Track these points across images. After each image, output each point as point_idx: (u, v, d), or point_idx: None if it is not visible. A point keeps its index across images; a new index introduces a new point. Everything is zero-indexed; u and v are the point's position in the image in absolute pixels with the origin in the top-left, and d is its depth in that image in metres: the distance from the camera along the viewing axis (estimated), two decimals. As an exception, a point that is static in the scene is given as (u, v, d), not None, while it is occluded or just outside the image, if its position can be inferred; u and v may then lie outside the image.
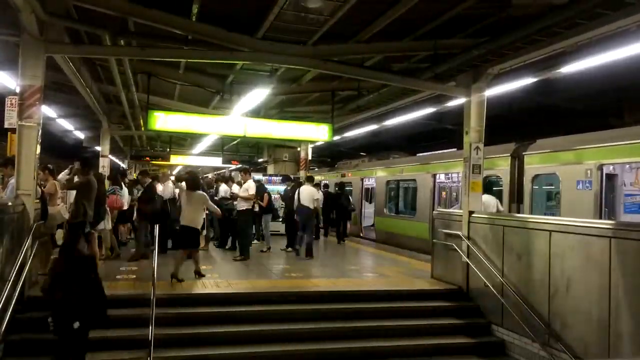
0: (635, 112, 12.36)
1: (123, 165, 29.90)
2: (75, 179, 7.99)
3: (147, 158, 22.90)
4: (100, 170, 14.94)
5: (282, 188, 15.71)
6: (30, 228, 6.30)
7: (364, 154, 23.55)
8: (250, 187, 10.31)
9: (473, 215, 7.83)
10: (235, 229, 10.82)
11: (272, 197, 12.98)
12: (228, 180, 12.64)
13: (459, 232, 7.94)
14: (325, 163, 27.56)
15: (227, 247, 11.69)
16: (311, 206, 10.79)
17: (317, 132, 11.20)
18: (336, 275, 8.74)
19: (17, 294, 5.37)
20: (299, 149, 18.62)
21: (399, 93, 10.89)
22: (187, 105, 13.60)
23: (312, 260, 10.42)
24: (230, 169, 24.35)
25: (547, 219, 7.01)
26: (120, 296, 6.58)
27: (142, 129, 16.06)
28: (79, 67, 9.19)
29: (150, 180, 10.28)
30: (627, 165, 8.86)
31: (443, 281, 8.25)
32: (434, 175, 13.76)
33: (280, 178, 16.31)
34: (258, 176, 17.50)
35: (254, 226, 12.44)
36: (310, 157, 18.16)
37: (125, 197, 10.08)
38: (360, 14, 7.05)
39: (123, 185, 10.23)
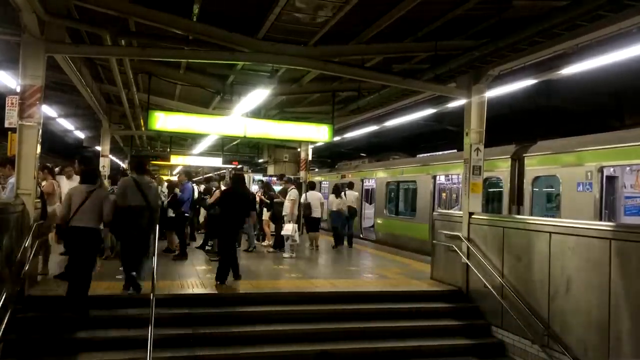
0: (635, 114, 12.35)
1: (123, 165, 29.91)
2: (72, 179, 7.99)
3: (151, 159, 22.87)
4: (101, 169, 14.95)
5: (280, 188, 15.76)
6: (30, 228, 6.29)
7: (364, 154, 23.54)
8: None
9: (473, 216, 7.84)
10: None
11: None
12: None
13: (459, 234, 7.93)
14: (325, 164, 27.56)
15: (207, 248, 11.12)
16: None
17: (318, 133, 11.20)
18: (336, 276, 8.74)
19: (17, 293, 5.36)
20: (299, 149, 18.62)
21: (399, 94, 10.87)
22: (187, 105, 13.61)
23: (311, 261, 10.43)
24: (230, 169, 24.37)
25: (547, 220, 7.01)
26: (120, 296, 6.59)
27: (143, 129, 16.06)
28: (79, 66, 9.19)
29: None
30: (628, 168, 8.86)
31: (443, 282, 8.25)
32: (434, 177, 13.76)
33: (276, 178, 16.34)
34: (258, 176, 17.55)
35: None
36: (310, 158, 18.17)
37: None
38: (361, 15, 7.05)
39: None
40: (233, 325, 6.44)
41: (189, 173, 10.63)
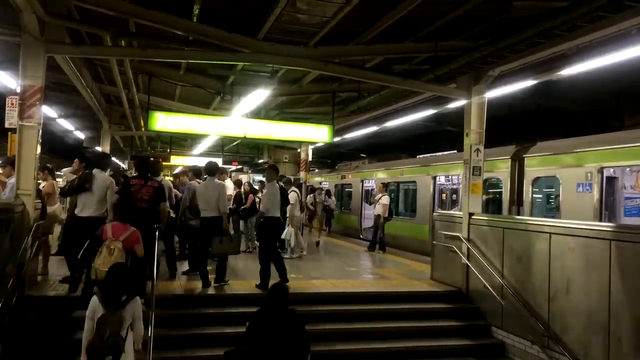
0: (635, 115, 12.36)
1: (123, 165, 29.90)
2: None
3: (151, 159, 22.70)
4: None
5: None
6: (30, 228, 6.29)
7: (364, 155, 23.54)
8: (228, 187, 10.22)
9: (473, 217, 7.84)
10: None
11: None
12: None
13: (459, 234, 7.94)
14: (325, 164, 27.57)
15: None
16: None
17: (318, 134, 11.20)
18: (335, 277, 8.73)
19: (16, 293, 5.36)
20: (299, 150, 18.64)
21: (400, 95, 10.89)
22: (187, 106, 13.61)
23: (311, 262, 10.42)
24: (230, 169, 24.36)
25: (547, 221, 7.01)
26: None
27: (143, 129, 16.08)
28: (79, 67, 9.18)
29: None
30: (628, 169, 8.86)
31: (443, 283, 8.25)
32: (434, 177, 13.76)
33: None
34: (259, 177, 17.53)
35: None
36: (310, 159, 18.18)
37: None
38: (361, 16, 7.05)
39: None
40: (232, 325, 6.43)
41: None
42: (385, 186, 13.54)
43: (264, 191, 8.21)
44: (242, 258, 10.23)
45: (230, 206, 10.24)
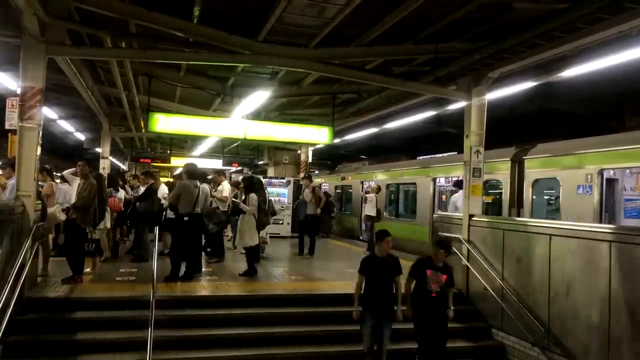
0: (636, 116, 12.35)
1: (123, 166, 29.91)
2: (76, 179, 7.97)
3: (148, 160, 22.70)
4: (101, 171, 14.92)
5: (282, 191, 15.82)
6: (30, 229, 6.29)
7: (364, 157, 23.55)
8: (225, 188, 10.23)
9: (473, 218, 7.83)
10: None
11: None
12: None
13: (459, 236, 7.93)
14: (325, 166, 27.57)
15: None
16: None
17: (318, 135, 11.21)
18: (335, 278, 8.72)
19: (16, 295, 5.36)
20: (299, 151, 18.64)
21: (400, 96, 10.89)
22: (187, 107, 13.61)
23: (311, 263, 10.42)
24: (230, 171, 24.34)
25: (547, 222, 7.01)
26: (120, 298, 6.59)
27: (143, 130, 16.08)
28: (80, 68, 9.18)
29: (152, 181, 10.16)
30: (628, 170, 8.85)
31: (443, 285, 8.23)
32: (434, 179, 13.75)
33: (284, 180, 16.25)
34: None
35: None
36: (310, 160, 18.18)
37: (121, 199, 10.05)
38: (361, 18, 7.06)
39: (120, 188, 10.16)
40: (233, 326, 6.44)
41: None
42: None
43: None
44: (240, 259, 10.23)
45: (225, 209, 10.21)
